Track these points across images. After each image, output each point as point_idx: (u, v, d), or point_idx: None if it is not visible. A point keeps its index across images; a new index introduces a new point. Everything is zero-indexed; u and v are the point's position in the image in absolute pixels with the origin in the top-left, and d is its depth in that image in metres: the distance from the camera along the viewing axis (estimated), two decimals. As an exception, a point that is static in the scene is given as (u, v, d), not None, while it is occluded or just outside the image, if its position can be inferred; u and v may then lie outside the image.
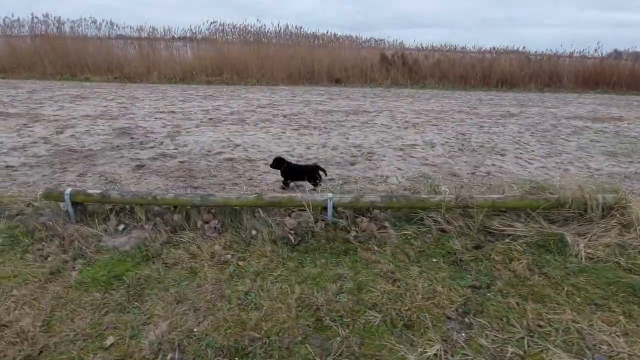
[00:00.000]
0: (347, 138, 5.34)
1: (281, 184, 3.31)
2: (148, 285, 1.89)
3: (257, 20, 26.01)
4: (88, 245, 2.19)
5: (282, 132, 5.54)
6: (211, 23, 15.26)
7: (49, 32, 12.83)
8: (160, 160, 4.06)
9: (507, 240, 2.35)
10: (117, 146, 4.53)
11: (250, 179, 3.59)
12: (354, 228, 2.35)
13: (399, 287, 1.90)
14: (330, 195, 2.36)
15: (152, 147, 4.53)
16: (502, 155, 4.78)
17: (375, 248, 2.23)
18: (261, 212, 2.46)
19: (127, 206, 2.49)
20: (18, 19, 12.55)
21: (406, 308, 1.76)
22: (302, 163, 3.93)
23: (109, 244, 2.22)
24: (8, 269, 1.99)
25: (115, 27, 13.58)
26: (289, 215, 2.47)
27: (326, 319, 1.68)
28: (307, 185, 3.24)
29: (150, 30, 14.36)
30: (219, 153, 4.39)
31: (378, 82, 14.06)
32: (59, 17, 12.75)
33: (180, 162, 4.04)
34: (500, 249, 2.26)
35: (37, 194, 2.88)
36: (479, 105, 9.53)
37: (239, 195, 2.37)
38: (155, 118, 6.31)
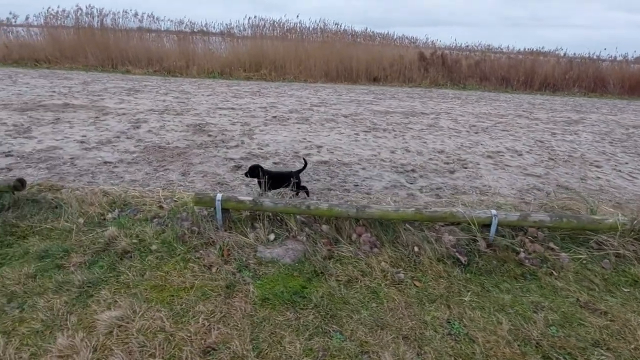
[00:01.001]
0: (424, 142, 5.15)
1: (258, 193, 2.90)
2: (335, 305, 1.76)
3: (297, 16, 26.08)
4: (247, 255, 2.08)
5: (356, 134, 5.38)
6: (249, 18, 15.18)
7: (92, 24, 12.90)
8: (253, 160, 3.95)
9: (688, 269, 2.15)
10: (201, 144, 4.44)
11: (357, 185, 3.45)
12: (522, 249, 2.18)
13: (612, 321, 1.72)
14: (494, 212, 2.20)
15: (236, 147, 4.43)
16: (597, 167, 4.53)
17: (554, 273, 2.05)
18: (409, 226, 2.31)
19: (269, 214, 2.37)
20: (63, 10, 12.65)
21: (632, 347, 1.59)
22: (278, 169, 3.54)
23: (266, 254, 2.10)
24: (178, 279, 1.88)
25: (155, 19, 13.58)
26: (440, 231, 2.31)
27: (555, 357, 1.52)
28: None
29: (189, 24, 14.34)
30: (308, 155, 4.25)
31: (417, 82, 13.76)
32: (102, 9, 12.79)
33: (275, 163, 3.92)
34: (688, 278, 2.06)
35: (160, 194, 2.80)
36: (533, 109, 9.20)
37: (397, 208, 2.22)
38: (220, 115, 6.22)
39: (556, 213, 2.28)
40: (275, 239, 2.22)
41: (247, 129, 5.32)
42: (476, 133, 6.00)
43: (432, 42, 18.75)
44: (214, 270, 1.97)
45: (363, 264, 2.03)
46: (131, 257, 2.04)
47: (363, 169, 3.89)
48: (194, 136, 4.80)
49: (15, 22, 13.19)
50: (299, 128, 5.61)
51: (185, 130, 5.08)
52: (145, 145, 4.27)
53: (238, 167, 3.72)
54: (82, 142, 4.26)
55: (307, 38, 14.94)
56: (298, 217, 2.40)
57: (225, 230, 2.26)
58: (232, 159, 3.98)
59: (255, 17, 14.57)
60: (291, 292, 1.83)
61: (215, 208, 2.22)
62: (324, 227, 2.30)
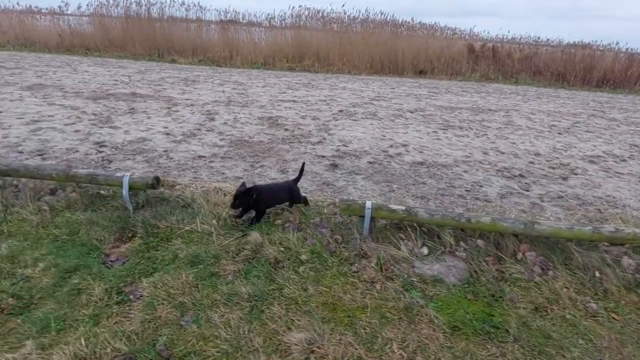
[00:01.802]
0: (513, 143, 4.80)
1: (236, 214, 2.26)
2: (536, 339, 1.55)
3: (342, 6, 25.88)
4: (406, 271, 1.90)
5: (434, 132, 5.09)
6: (292, 8, 14.91)
7: (140, 13, 13.04)
8: (346, 159, 3.76)
9: None
10: (283, 139, 4.29)
11: (468, 190, 3.20)
12: None
13: None
14: (688, 234, 1.91)
15: (319, 143, 4.25)
16: None
17: None
18: (572, 245, 2.06)
19: (409, 224, 2.17)
20: None
21: None
22: (272, 183, 2.86)
23: (425, 271, 1.91)
24: (346, 296, 1.72)
25: (201, 9, 13.58)
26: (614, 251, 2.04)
27: None
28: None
29: (234, 13, 14.27)
30: (399, 154, 4.02)
31: (466, 76, 13.15)
32: (149, -1, 12.88)
33: (370, 162, 3.71)
34: None
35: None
36: (602, 108, 8.55)
37: (570, 226, 1.97)
38: (285, 107, 6.06)
39: None
40: (429, 254, 2.02)
41: (321, 124, 5.14)
42: (560, 134, 5.57)
43: (476, 33, 17.82)
44: (378, 287, 1.79)
45: (546, 289, 1.80)
46: (283, 267, 1.90)
47: (465, 171, 3.63)
48: (271, 130, 4.66)
49: (67, 11, 13.49)
50: (371, 124, 5.37)
51: (260, 123, 4.94)
52: (230, 139, 4.16)
53: (335, 166, 3.54)
54: (167, 134, 4.20)
55: (350, 28, 14.52)
56: (447, 229, 2.19)
57: (372, 241, 2.08)
58: (323, 156, 3.80)
59: (300, 6, 14.25)
60: (479, 319, 1.63)
61: (364, 216, 2.04)
62: (479, 242, 2.08)
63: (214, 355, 1.40)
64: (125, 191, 2.13)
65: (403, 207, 2.04)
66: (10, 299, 1.59)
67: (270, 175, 3.25)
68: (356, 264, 1.92)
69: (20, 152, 3.43)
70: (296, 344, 1.44)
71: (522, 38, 17.66)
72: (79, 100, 5.57)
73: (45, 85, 6.62)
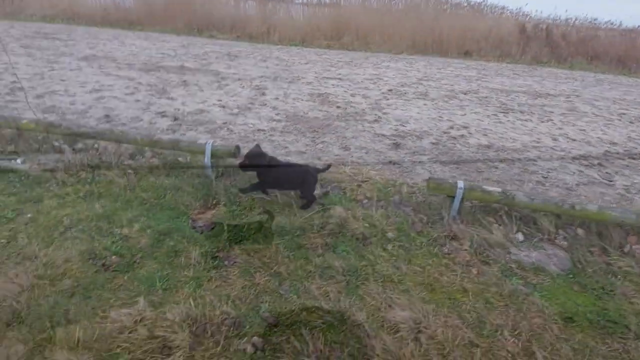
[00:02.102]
0: (582, 130, 4.44)
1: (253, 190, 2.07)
2: (661, 338, 1.42)
3: None
4: (503, 257, 1.79)
5: (494, 115, 4.80)
6: (331, -19, 14.37)
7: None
8: (407, 139, 3.62)
9: None
10: (338, 116, 4.18)
11: (545, 177, 3.00)
12: None
13: None
14: None
15: (376, 121, 4.11)
16: None
17: None
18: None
19: (500, 207, 2.04)
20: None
21: None
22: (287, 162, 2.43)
23: (523, 258, 1.80)
24: (442, 278, 1.65)
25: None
26: None
27: None
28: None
29: (272, -13, 13.93)
30: (462, 136, 3.82)
31: (515, 58, 12.32)
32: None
33: (433, 143, 3.56)
34: None
35: (346, 171, 2.59)
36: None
37: (691, 219, 1.78)
38: (332, 85, 5.90)
39: None
40: (524, 240, 1.90)
41: (373, 102, 4.97)
42: (631, 123, 5.10)
43: (526, 12, 16.48)
44: (475, 271, 1.71)
45: (664, 285, 1.65)
46: (371, 243, 1.84)
47: (538, 157, 3.40)
48: (323, 107, 4.55)
49: (111, -17, 13.69)
50: (424, 104, 5.14)
51: (310, 99, 4.84)
52: (285, 114, 4.10)
53: (397, 146, 3.42)
54: (222, 106, 4.19)
55: (391, 5, 13.89)
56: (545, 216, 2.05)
57: (462, 223, 1.98)
58: (383, 135, 3.68)
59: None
60: (592, 312, 1.51)
61: (454, 197, 1.94)
62: (579, 231, 1.93)
63: (319, 327, 1.38)
64: (207, 159, 2.13)
65: (499, 189, 1.91)
66: (113, 257, 1.64)
67: (333, 151, 3.18)
68: (447, 246, 1.83)
69: (107, 115, 3.55)
70: (403, 322, 1.39)
71: (578, 19, 16.23)
72: (133, 72, 5.66)
73: (98, 56, 6.79)
